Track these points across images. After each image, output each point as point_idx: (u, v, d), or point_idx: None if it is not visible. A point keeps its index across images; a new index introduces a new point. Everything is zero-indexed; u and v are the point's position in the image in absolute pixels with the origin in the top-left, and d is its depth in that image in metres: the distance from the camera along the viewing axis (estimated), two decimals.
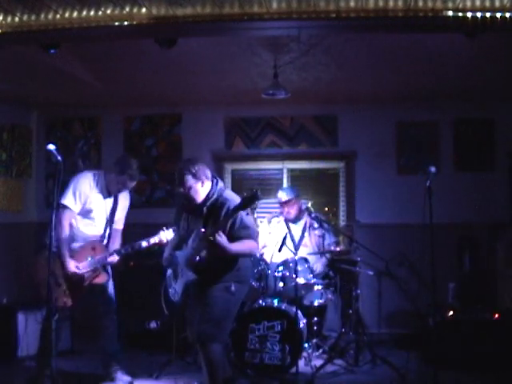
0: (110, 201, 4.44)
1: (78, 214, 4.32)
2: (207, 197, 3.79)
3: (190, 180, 3.74)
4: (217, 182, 3.86)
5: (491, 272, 5.85)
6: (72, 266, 4.20)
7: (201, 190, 3.77)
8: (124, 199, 4.57)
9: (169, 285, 3.94)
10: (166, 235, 4.19)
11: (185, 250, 3.82)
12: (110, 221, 4.45)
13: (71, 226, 4.29)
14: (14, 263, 6.15)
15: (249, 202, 3.51)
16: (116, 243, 4.48)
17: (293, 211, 5.48)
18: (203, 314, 3.71)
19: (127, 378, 4.45)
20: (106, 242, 4.43)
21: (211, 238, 3.53)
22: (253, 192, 3.49)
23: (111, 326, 4.46)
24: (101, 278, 4.34)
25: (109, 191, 4.41)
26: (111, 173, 4.38)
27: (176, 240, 4.02)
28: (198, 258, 3.69)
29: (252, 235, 3.75)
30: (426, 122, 6.26)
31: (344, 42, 4.42)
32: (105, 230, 4.43)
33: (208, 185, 3.80)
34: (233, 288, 3.73)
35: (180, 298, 3.83)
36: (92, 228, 4.37)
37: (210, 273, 3.72)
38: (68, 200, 4.25)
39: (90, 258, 4.26)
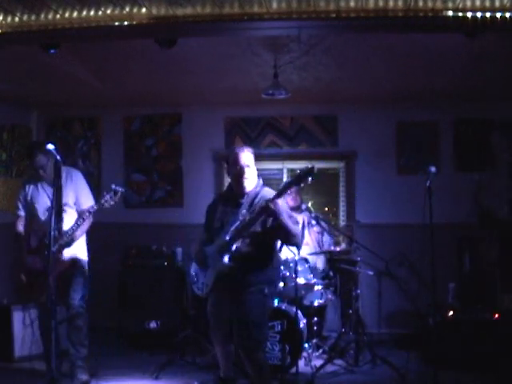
0: (51, 189, 4.32)
1: (27, 214, 4.48)
2: (253, 189, 3.81)
3: (252, 159, 3.84)
4: (259, 176, 3.93)
5: (491, 272, 5.85)
6: (29, 262, 4.32)
7: (254, 174, 3.83)
8: (69, 181, 4.48)
9: (193, 281, 3.89)
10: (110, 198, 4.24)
11: (217, 241, 3.73)
12: (57, 207, 4.27)
13: (27, 227, 4.46)
14: (14, 263, 6.14)
15: (304, 177, 3.45)
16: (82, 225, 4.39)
17: (298, 198, 5.55)
18: (244, 325, 3.67)
19: (85, 377, 4.38)
20: (58, 228, 4.29)
21: (271, 204, 3.50)
22: (309, 167, 3.43)
23: (76, 321, 4.38)
24: (61, 265, 4.26)
25: (45, 182, 4.42)
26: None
27: (206, 236, 3.93)
28: (234, 247, 3.63)
29: (297, 222, 3.84)
30: (426, 122, 6.26)
31: (344, 42, 4.42)
32: (51, 219, 4.21)
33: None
34: (266, 290, 3.73)
35: (210, 289, 3.76)
36: (43, 221, 4.36)
37: (244, 265, 3.66)
38: (15, 209, 4.56)
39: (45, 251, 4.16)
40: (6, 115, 6.24)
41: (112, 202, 4.25)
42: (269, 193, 3.76)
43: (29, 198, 4.49)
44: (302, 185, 3.52)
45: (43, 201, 4.42)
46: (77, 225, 4.27)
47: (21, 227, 4.53)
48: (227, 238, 3.64)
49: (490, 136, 6.00)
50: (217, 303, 3.84)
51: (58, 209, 4.34)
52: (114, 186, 4.26)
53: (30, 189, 4.52)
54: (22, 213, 4.55)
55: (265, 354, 3.95)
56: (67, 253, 4.32)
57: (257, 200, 3.73)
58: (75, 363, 4.37)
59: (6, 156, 6.23)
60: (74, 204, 4.45)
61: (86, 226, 4.40)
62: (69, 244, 4.29)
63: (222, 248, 3.65)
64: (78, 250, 4.45)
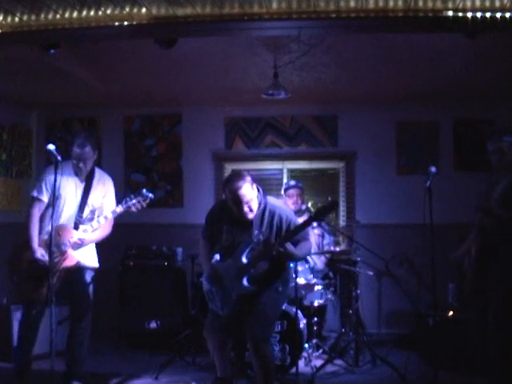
0: (81, 186, 4.29)
1: (48, 202, 4.22)
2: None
3: (250, 187, 3.62)
4: (259, 189, 3.75)
5: None
6: (38, 253, 4.11)
7: (256, 201, 3.65)
8: (101, 184, 4.37)
9: (210, 299, 3.82)
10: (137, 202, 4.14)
11: (231, 262, 3.71)
12: (82, 205, 4.25)
13: (42, 215, 4.23)
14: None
15: (325, 212, 3.46)
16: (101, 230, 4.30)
17: (299, 201, 5.55)
18: (255, 316, 3.69)
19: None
20: (75, 224, 4.21)
21: (281, 248, 3.52)
22: (330, 202, 3.45)
23: (80, 335, 4.25)
24: (68, 261, 4.13)
25: (78, 177, 4.29)
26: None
27: (210, 251, 3.89)
28: (252, 270, 3.66)
29: (306, 236, 3.80)
30: (426, 122, 6.26)
31: (344, 42, 4.43)
32: (77, 215, 4.23)
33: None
34: (280, 288, 3.77)
35: (230, 310, 3.72)
36: (62, 214, 4.22)
37: (264, 282, 3.71)
38: (37, 191, 4.25)
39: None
40: (6, 115, 6.25)
41: (140, 207, 4.14)
42: (276, 205, 3.74)
43: (56, 188, 4.16)
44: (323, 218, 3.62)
45: (70, 196, 4.23)
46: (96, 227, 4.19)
47: (37, 212, 4.22)
48: (244, 260, 3.66)
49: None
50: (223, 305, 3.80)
51: (81, 205, 4.25)
52: (144, 191, 4.13)
53: (60, 179, 4.10)
54: (43, 198, 4.22)
55: (271, 349, 3.93)
56: (79, 253, 4.20)
57: (266, 215, 3.69)
58: (71, 367, 4.27)
59: (6, 156, 6.23)
60: (97, 209, 4.29)
61: (103, 231, 4.27)
62: (81, 244, 4.16)
63: (240, 271, 3.66)
64: (91, 255, 4.33)
